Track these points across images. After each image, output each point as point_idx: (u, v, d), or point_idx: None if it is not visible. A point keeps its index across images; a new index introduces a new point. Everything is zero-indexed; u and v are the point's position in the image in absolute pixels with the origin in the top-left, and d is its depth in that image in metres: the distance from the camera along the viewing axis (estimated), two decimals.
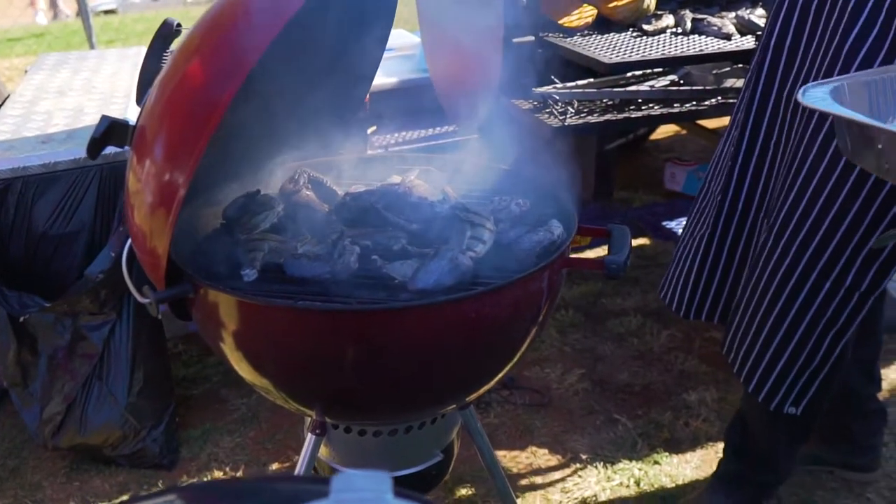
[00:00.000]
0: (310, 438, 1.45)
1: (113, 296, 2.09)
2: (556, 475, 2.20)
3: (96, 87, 2.64)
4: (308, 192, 1.53)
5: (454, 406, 1.39)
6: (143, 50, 3.19)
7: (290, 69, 1.42)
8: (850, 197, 1.55)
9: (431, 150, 2.48)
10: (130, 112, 2.39)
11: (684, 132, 4.17)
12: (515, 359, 1.30)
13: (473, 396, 1.34)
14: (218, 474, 2.21)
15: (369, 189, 1.52)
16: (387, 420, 1.36)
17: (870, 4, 1.48)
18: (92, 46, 4.82)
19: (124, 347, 2.13)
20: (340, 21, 1.50)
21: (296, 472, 1.47)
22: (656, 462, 2.22)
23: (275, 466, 2.23)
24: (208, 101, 1.05)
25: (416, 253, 1.27)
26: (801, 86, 1.64)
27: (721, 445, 2.28)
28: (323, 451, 1.49)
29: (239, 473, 2.21)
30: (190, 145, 1.06)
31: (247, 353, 1.22)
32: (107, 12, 8.73)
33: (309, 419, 1.50)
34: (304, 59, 1.49)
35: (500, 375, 1.31)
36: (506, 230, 1.34)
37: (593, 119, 2.09)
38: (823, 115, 1.55)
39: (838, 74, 1.51)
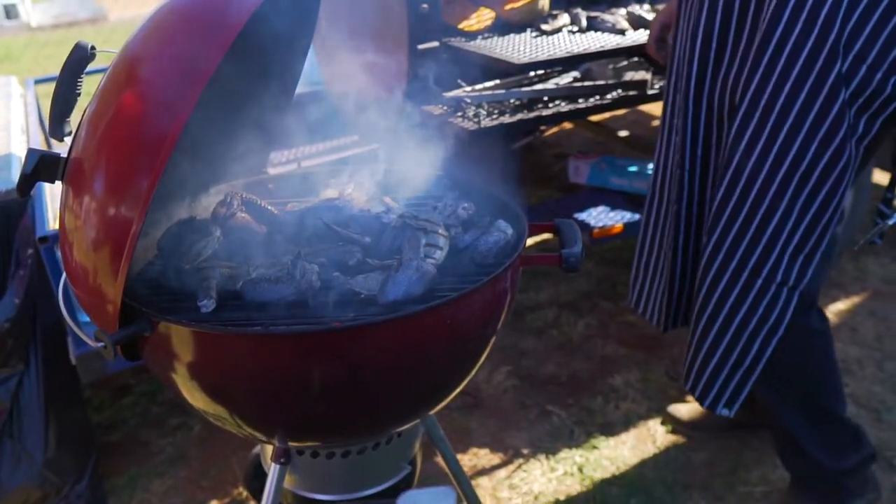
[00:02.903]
0: (274, 469, 1.39)
1: (19, 345, 1.94)
2: (502, 473, 2.22)
3: None
4: (243, 215, 1.47)
5: (425, 415, 1.37)
6: (12, 80, 2.99)
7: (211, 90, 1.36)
8: (778, 193, 1.58)
9: (342, 162, 2.44)
10: (14, 146, 2.22)
11: (569, 126, 4.32)
12: (482, 360, 1.30)
13: (443, 404, 1.33)
14: None
15: (309, 206, 1.48)
16: (360, 438, 1.33)
17: None
18: None
19: (35, 400, 1.97)
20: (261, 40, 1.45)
21: None
22: (595, 447, 2.28)
23: None
24: (161, 126, 0.99)
25: (378, 266, 1.24)
26: (733, 82, 1.63)
27: (651, 422, 2.38)
28: (287, 480, 1.44)
29: None
30: (143, 175, 1.00)
31: (213, 385, 1.15)
32: None
33: (270, 448, 1.45)
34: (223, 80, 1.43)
35: (469, 378, 1.31)
36: (460, 235, 1.34)
37: (506, 119, 2.13)
38: (750, 110, 1.58)
39: (767, 63, 1.54)
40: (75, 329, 1.16)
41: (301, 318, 1.14)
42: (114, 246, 1.05)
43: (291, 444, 1.34)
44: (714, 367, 1.75)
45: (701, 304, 1.74)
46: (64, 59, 1.27)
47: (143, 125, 1.04)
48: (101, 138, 1.06)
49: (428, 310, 1.09)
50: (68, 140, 1.27)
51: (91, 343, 1.10)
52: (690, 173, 1.79)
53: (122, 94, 1.06)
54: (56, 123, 1.28)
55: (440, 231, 1.32)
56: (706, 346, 1.74)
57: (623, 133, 3.81)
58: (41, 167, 1.11)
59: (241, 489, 2.16)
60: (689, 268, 1.89)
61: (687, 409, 2.34)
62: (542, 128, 3.09)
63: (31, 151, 1.10)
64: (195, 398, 1.21)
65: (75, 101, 1.28)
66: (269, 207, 1.51)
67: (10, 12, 9.52)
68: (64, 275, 1.24)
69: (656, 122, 4.50)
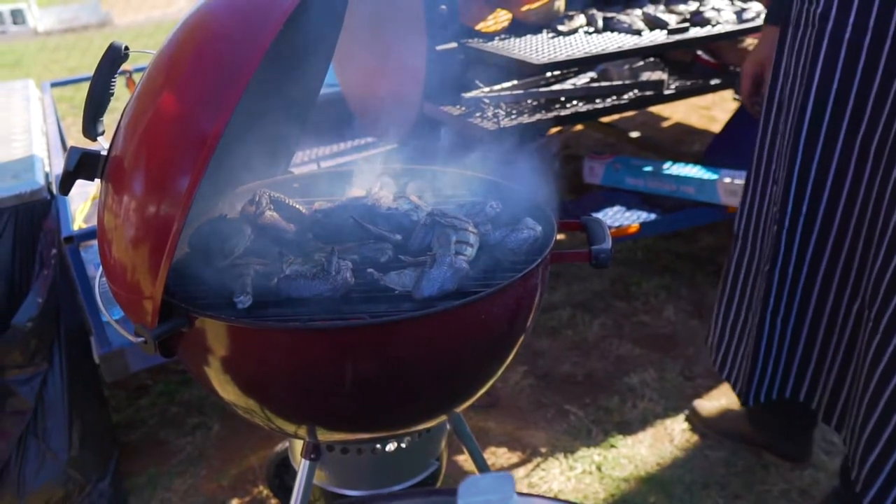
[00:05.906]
0: (304, 465, 1.40)
1: (43, 344, 1.95)
2: (520, 472, 2.23)
3: None
4: (272, 213, 1.48)
5: (454, 411, 1.38)
6: (29, 83, 3.01)
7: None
8: None
9: (363, 162, 2.45)
10: (36, 148, 2.23)
11: (578, 127, 4.34)
12: (512, 356, 1.32)
13: (473, 399, 1.34)
14: None
15: (339, 204, 1.49)
16: (390, 433, 1.34)
17: None
18: None
19: (59, 398, 1.98)
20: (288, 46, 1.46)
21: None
22: (612, 446, 2.29)
23: (235, 503, 2.14)
24: (202, 125, 1.00)
25: (412, 262, 1.26)
26: (862, 138, 1.45)
27: (669, 421, 2.39)
28: (316, 476, 1.45)
29: None
30: (184, 173, 1.01)
31: (248, 379, 1.17)
32: None
33: (298, 445, 1.46)
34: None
35: (499, 374, 1.32)
36: (490, 232, 1.36)
37: (525, 119, 2.14)
38: (889, 164, 1.41)
39: None
40: (116, 326, 1.17)
41: (337, 314, 1.15)
42: (154, 243, 1.06)
43: (322, 439, 1.35)
44: (874, 463, 1.57)
45: (869, 394, 1.56)
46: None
47: (184, 124, 1.05)
48: (142, 137, 1.08)
49: (464, 305, 1.10)
50: (101, 140, 1.29)
51: (132, 338, 1.11)
52: (790, 231, 1.62)
53: (162, 93, 1.07)
54: (89, 123, 1.29)
55: (470, 228, 1.33)
56: (864, 440, 1.57)
57: (634, 134, 3.83)
58: (82, 165, 1.13)
59: (261, 487, 2.17)
60: (777, 339, 1.73)
61: (709, 407, 2.34)
62: (560, 128, 3.09)
63: (73, 149, 1.12)
64: (227, 392, 1.23)
65: (108, 101, 1.29)
66: (297, 206, 1.52)
67: (17, 17, 9.56)
68: (99, 272, 1.26)
69: (666, 123, 4.52)
